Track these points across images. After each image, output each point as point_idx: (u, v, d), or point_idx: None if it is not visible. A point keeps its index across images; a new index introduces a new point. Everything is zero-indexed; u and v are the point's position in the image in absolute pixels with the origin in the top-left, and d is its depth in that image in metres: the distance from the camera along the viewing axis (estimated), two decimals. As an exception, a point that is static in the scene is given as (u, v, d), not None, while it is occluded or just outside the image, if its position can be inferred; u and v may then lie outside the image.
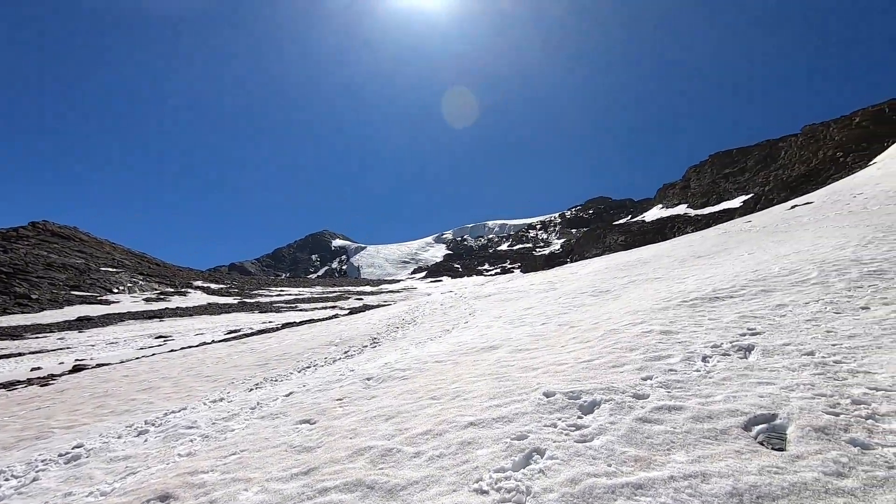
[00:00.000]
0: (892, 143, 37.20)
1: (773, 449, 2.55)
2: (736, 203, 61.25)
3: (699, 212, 69.47)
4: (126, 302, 47.57)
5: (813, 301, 5.61)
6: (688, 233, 40.85)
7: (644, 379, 3.84)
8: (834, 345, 3.98)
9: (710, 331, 5.11)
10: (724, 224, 29.35)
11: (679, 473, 2.37)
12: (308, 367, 8.76)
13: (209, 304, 46.70)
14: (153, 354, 16.51)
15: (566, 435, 3.02)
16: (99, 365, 14.63)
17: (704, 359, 4.21)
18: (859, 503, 1.98)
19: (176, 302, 48.55)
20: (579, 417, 3.30)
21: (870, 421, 2.62)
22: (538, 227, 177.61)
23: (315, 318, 27.30)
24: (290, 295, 58.53)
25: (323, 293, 60.63)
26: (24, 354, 21.87)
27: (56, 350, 22.59)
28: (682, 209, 79.28)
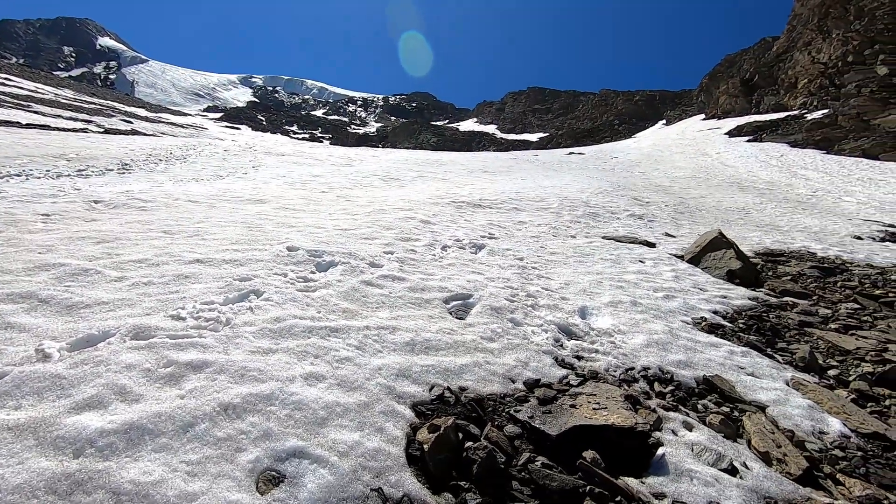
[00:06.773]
0: (651, 125, 46.26)
1: (456, 318, 3.10)
2: (534, 137, 68.80)
3: (505, 136, 76.02)
4: None
5: (544, 224, 6.82)
6: (489, 151, 44.61)
7: (386, 253, 4.18)
8: (539, 256, 4.95)
9: (461, 228, 5.80)
10: (518, 152, 32.91)
11: (374, 325, 2.70)
12: (17, 175, 6.98)
13: None
14: None
15: (291, 284, 3.12)
16: None
17: (444, 248, 4.78)
18: (492, 356, 2.58)
19: None
20: (312, 273, 3.43)
21: (530, 308, 3.40)
22: (359, 102, 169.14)
23: (52, 125, 21.61)
24: (19, 88, 44.58)
25: (75, 100, 47.89)
26: None
27: None
28: (492, 129, 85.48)
